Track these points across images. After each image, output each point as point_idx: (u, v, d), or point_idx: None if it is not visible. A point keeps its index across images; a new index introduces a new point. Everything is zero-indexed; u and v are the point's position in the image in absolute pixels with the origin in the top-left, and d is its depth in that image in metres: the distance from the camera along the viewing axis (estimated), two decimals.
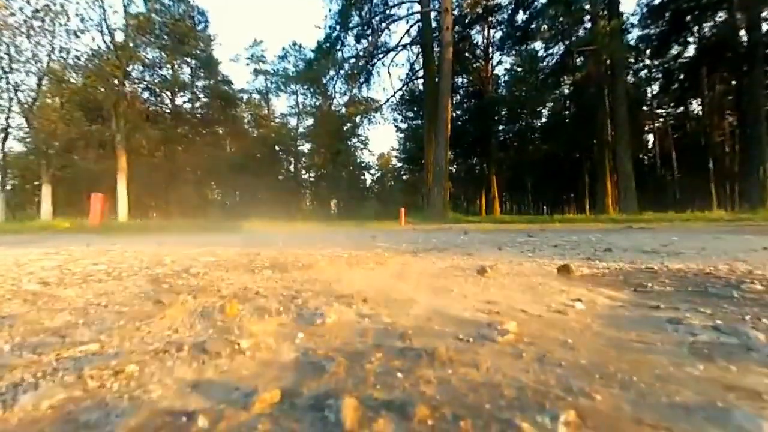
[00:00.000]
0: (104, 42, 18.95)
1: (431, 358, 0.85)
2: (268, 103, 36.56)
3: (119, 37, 19.60)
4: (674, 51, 23.20)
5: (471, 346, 0.95)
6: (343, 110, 30.68)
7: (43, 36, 17.45)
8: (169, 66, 24.01)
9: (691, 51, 23.13)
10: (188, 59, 25.29)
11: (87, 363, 0.83)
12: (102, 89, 19.62)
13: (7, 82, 17.75)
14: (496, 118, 31.74)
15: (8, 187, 21.80)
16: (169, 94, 25.60)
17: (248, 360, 0.87)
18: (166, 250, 3.71)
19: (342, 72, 27.46)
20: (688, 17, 21.03)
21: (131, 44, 20.02)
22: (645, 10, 22.21)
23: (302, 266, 2.36)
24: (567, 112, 30.40)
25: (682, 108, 27.71)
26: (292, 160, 37.69)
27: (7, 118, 19.95)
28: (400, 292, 1.60)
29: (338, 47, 26.64)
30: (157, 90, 24.48)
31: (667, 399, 0.68)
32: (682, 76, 24.31)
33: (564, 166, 31.48)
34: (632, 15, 23.36)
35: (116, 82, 19.57)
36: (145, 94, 24.05)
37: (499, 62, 33.13)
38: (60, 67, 18.22)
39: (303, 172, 38.54)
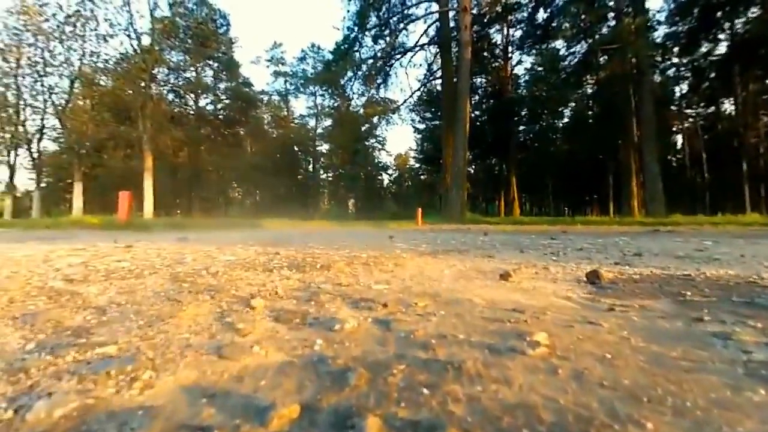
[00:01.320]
0: (131, 46, 19.80)
1: (458, 372, 0.80)
2: (287, 105, 37.15)
3: (145, 40, 20.31)
4: (704, 48, 22.02)
5: (500, 359, 0.88)
6: (361, 111, 30.75)
7: (75, 41, 18.28)
8: (192, 69, 24.70)
9: (722, 48, 22.02)
10: (211, 62, 25.98)
11: (103, 367, 0.81)
12: (129, 91, 20.30)
13: (42, 85, 18.71)
14: (515, 118, 31.15)
15: (42, 185, 23.02)
16: (192, 96, 26.41)
17: (266, 367, 0.83)
18: (187, 248, 3.74)
19: (360, 73, 27.44)
20: (719, 13, 19.93)
21: (157, 48, 20.64)
22: (673, 6, 21.22)
23: (320, 267, 2.32)
24: (590, 112, 29.50)
25: (713, 108, 26.55)
26: (311, 160, 38.15)
27: (42, 119, 20.97)
28: (421, 297, 1.54)
29: (356, 48, 26.65)
30: (182, 92, 25.25)
31: (729, 429, 0.61)
32: (713, 75, 23.18)
33: (586, 167, 30.65)
34: (659, 12, 22.52)
35: (143, 84, 20.20)
36: (170, 96, 25.09)
37: (519, 62, 32.26)
38: (90, 71, 18.97)
39: (321, 172, 39.08)
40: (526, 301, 1.52)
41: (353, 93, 28.55)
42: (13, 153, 21.62)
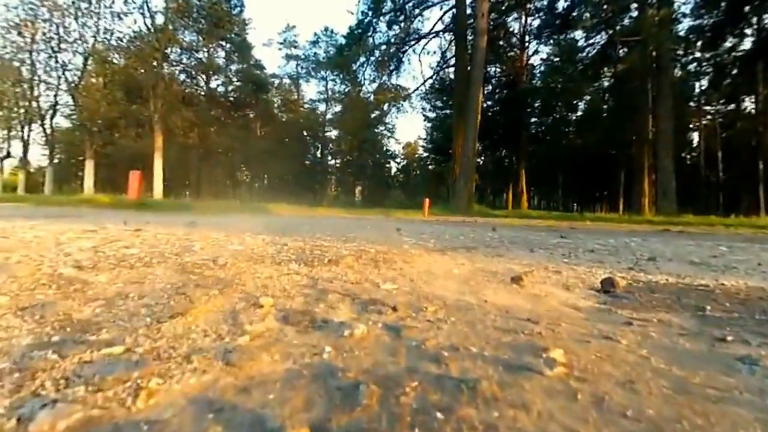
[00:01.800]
0: (145, 24, 19.84)
1: (473, 393, 0.76)
2: (298, 89, 36.83)
3: (159, 19, 20.27)
4: (729, 44, 21.33)
5: (516, 378, 0.84)
6: (372, 98, 30.37)
7: (90, 17, 18.30)
8: (204, 49, 24.57)
9: (747, 44, 21.27)
10: (223, 43, 25.75)
11: (110, 372, 0.79)
12: (142, 70, 20.30)
13: (56, 61, 18.79)
14: (528, 109, 30.66)
15: (55, 161, 23.28)
16: (204, 77, 26.37)
17: (274, 378, 0.81)
18: (195, 234, 3.70)
19: (372, 59, 27.10)
20: (747, 7, 19.28)
21: (170, 27, 20.53)
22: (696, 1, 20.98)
23: (328, 261, 2.29)
24: (605, 106, 29.04)
25: (733, 105, 25.90)
26: (319, 146, 37.93)
27: (56, 95, 21.14)
28: (430, 300, 1.50)
29: (370, 33, 26.18)
30: (193, 73, 25.20)
31: None
32: (735, 71, 22.39)
33: (598, 162, 30.24)
34: (684, 4, 21.78)
35: (155, 63, 20.17)
36: (182, 77, 25.05)
37: (536, 51, 30.93)
38: (104, 48, 18.98)
39: (329, 158, 38.90)
40: (539, 309, 1.47)
41: (365, 79, 28.38)
42: (27, 128, 22.12)
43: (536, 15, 27.10)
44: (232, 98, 29.37)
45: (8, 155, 24.49)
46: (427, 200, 16.75)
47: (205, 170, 29.55)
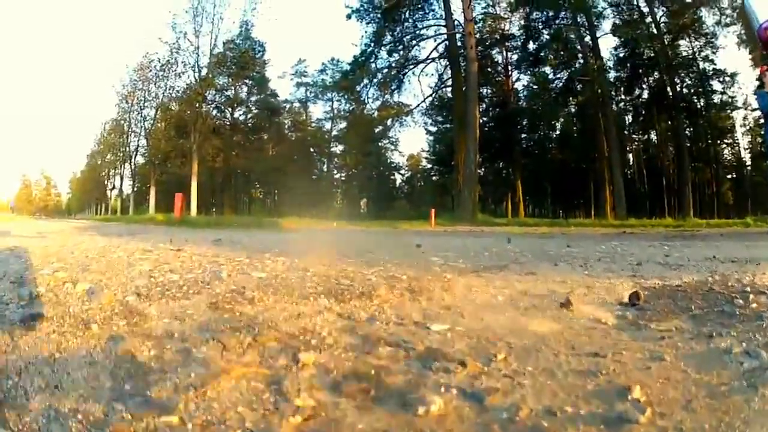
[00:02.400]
0: (194, 78, 27.20)
1: None
2: (306, 110, 40.85)
3: (203, 72, 29.02)
4: (637, 92, 30.64)
5: None
6: (375, 114, 35.04)
7: (162, 80, 28.01)
8: (232, 88, 33.80)
9: (645, 94, 30.74)
10: (246, 81, 32.00)
11: None
12: (188, 112, 29.69)
13: (141, 116, 29.22)
14: (518, 126, 36.79)
15: (135, 189, 34.71)
16: (230, 109, 33.85)
17: None
18: (221, 255, 4.08)
19: (375, 80, 32.41)
20: (641, 70, 27.95)
21: (210, 75, 30.02)
22: (615, 59, 29.56)
23: (360, 294, 2.26)
24: (575, 128, 35.61)
25: (645, 136, 36.70)
26: (325, 161, 42.12)
27: (138, 140, 31.15)
28: (494, 344, 1.40)
29: (372, 60, 31.72)
30: (222, 107, 34.08)
31: None
32: (643, 112, 32.15)
33: (574, 175, 36.39)
34: (608, 60, 29.80)
35: (197, 105, 29.55)
36: (214, 112, 31.42)
37: (518, 79, 37.76)
38: (168, 100, 28.53)
39: (335, 172, 43.44)
40: (595, 337, 1.48)
41: (368, 98, 33.22)
42: (122, 167, 35.09)
43: (514, 51, 34.01)
44: (250, 124, 34.82)
45: (113, 187, 38.76)
46: (433, 211, 18.71)
47: (227, 190, 34.73)
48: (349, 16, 30.33)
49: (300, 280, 2.70)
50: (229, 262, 3.67)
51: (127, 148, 29.84)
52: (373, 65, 32.61)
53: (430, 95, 35.30)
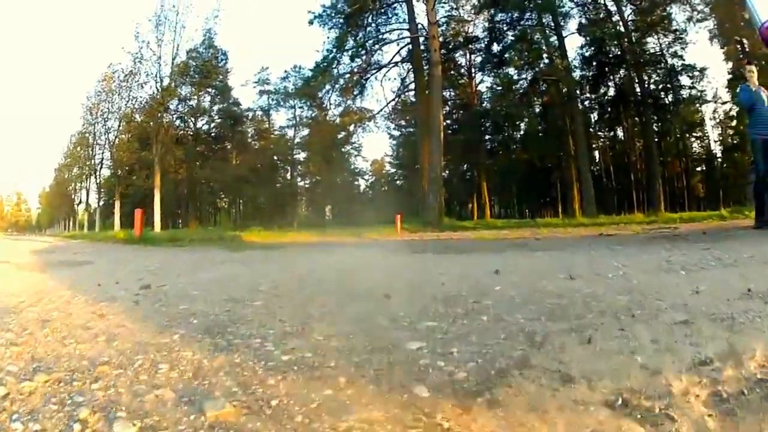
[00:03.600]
0: (156, 88, 26.62)
1: None
2: (269, 118, 40.85)
3: (165, 81, 28.20)
4: (603, 90, 31.35)
5: None
6: (338, 120, 35.27)
7: (126, 91, 26.55)
8: (195, 97, 32.43)
9: (611, 92, 31.82)
10: (209, 90, 31.88)
11: None
12: (150, 122, 28.10)
13: (105, 128, 27.72)
14: (482, 128, 37.88)
15: (101, 203, 32.76)
16: (192, 119, 33.76)
17: None
18: (170, 334, 1.88)
19: (337, 86, 32.54)
20: (607, 68, 28.83)
21: (173, 85, 28.57)
22: (581, 58, 30.15)
23: None
24: (540, 127, 36.17)
25: (612, 133, 37.86)
26: (289, 168, 41.95)
27: (102, 153, 30.40)
28: None
29: (334, 66, 31.69)
30: (185, 117, 32.85)
31: None
32: (609, 110, 33.21)
33: (540, 174, 37.71)
34: (573, 59, 30.28)
35: (159, 115, 28.08)
36: (177, 122, 31.58)
37: (482, 81, 38.77)
38: (130, 111, 26.93)
39: (299, 179, 43.30)
40: None
41: (330, 104, 33.43)
42: (87, 180, 34.30)
43: (478, 53, 34.65)
44: (213, 134, 34.40)
45: (80, 202, 37.56)
46: (399, 216, 17.90)
47: (192, 201, 34.06)
48: (311, 22, 29.99)
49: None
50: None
51: (93, 161, 28.01)
52: (335, 71, 32.50)
53: (393, 99, 35.52)
